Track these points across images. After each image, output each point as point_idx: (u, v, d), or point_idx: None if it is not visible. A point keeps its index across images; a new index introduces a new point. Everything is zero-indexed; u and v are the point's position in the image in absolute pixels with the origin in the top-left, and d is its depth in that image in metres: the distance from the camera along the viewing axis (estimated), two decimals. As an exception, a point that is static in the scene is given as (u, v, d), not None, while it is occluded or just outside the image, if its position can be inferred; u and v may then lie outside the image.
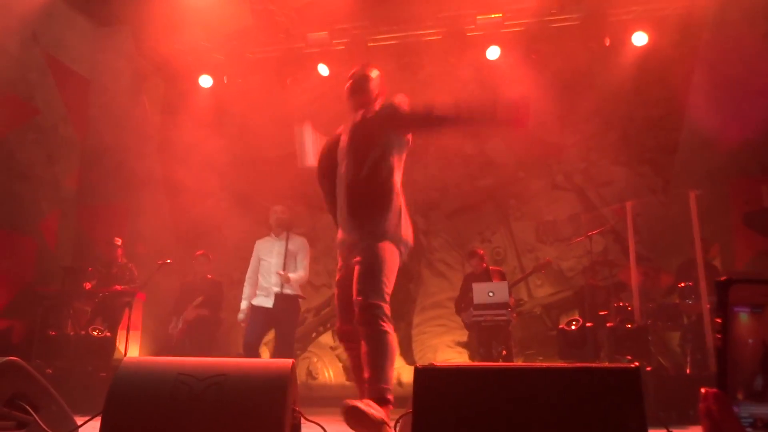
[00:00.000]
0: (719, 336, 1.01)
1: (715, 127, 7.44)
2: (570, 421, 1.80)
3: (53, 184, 8.43)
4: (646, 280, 6.84)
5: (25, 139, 7.95)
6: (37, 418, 2.66)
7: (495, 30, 8.19)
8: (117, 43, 8.91)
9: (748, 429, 0.99)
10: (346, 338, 3.25)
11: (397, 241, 3.14)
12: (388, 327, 2.98)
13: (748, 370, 1.01)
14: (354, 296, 3.04)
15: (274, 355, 5.87)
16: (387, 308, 3.00)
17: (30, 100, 8.05)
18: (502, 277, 7.14)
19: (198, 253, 7.39)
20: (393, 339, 2.99)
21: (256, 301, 5.95)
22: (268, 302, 5.80)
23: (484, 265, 7.18)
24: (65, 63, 8.59)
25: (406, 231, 3.19)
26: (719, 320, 1.02)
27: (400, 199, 3.18)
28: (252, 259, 6.18)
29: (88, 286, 7.18)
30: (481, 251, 7.29)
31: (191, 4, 7.63)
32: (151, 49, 9.00)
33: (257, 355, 5.80)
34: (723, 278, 1.02)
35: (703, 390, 1.02)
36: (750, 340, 1.01)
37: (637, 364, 1.74)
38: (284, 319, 5.83)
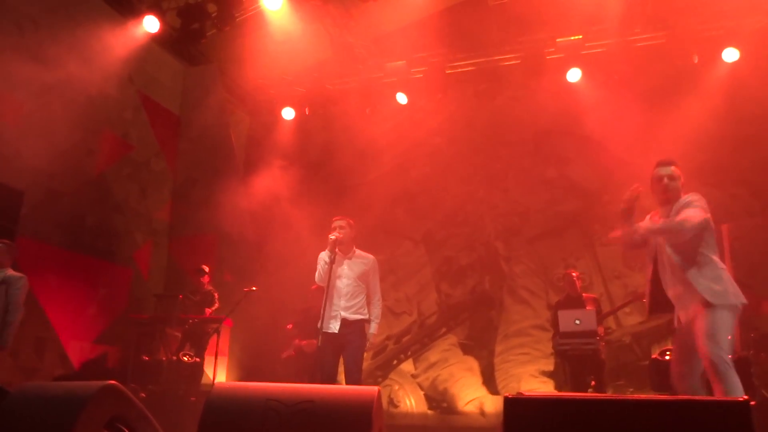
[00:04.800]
0: None
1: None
2: (674, 457, 1.69)
3: (146, 217, 8.86)
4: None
5: (121, 174, 8.41)
6: (134, 440, 2.76)
7: (575, 52, 8.06)
8: (204, 80, 9.35)
9: None
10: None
11: None
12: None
13: None
14: None
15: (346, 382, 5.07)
16: None
17: (126, 137, 8.53)
18: (597, 304, 6.82)
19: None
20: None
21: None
22: (335, 327, 5.02)
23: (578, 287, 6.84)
24: (157, 101, 9.08)
25: None
26: None
27: None
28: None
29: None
30: (576, 273, 6.90)
31: (272, 41, 7.91)
32: (236, 85, 9.40)
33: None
34: None
35: None
36: None
37: (746, 397, 1.62)
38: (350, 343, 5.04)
